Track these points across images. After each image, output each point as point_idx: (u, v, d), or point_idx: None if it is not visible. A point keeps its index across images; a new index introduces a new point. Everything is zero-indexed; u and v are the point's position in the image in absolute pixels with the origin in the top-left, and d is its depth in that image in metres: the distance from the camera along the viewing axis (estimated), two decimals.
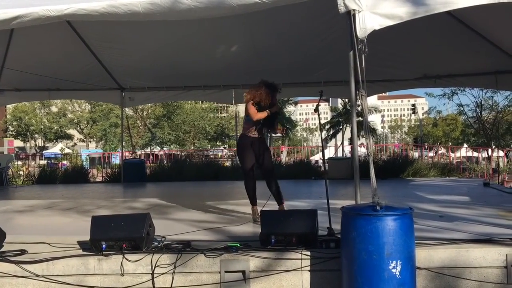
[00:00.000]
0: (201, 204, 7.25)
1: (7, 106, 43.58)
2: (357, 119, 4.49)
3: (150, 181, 12.33)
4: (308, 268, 3.85)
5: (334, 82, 10.74)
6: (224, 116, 55.99)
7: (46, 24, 5.07)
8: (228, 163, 17.93)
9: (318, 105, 4.48)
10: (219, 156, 34.50)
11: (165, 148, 41.94)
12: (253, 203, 5.69)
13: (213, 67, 10.72)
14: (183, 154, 26.79)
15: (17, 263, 3.95)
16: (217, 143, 52.56)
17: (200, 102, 45.99)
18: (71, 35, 9.46)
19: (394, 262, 3.34)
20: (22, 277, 3.93)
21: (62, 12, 4.62)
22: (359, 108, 4.46)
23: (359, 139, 8.08)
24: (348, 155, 19.05)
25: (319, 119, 4.59)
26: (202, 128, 47.11)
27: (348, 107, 47.28)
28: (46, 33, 8.73)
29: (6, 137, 48.64)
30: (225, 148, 48.00)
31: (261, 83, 5.77)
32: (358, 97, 4.04)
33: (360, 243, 3.40)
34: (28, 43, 9.68)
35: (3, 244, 4.34)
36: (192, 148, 42.45)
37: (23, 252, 4.15)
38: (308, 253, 3.87)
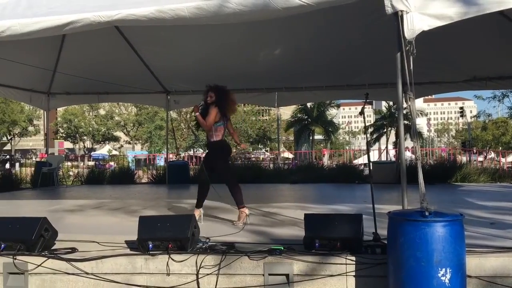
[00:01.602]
0: None
1: (58, 109, 45.36)
2: (404, 122, 4.39)
3: (193, 183, 12.50)
4: (353, 273, 3.79)
5: (379, 85, 10.56)
6: (266, 119, 56.11)
7: (96, 29, 5.24)
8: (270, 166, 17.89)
9: (363, 108, 4.40)
10: (261, 159, 34.58)
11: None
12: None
13: (255, 69, 10.77)
14: None
15: (68, 260, 4.10)
16: (259, 145, 52.72)
17: (242, 104, 46.29)
18: (119, 40, 9.75)
19: (444, 269, 3.24)
20: (73, 274, 4.06)
21: (112, 18, 4.77)
22: (405, 111, 4.36)
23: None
24: (393, 159, 18.66)
25: (365, 122, 4.51)
26: (244, 131, 47.42)
27: (392, 110, 46.34)
28: (95, 38, 9.03)
29: (57, 138, 50.60)
30: (266, 151, 48.09)
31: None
32: (406, 100, 3.95)
33: (408, 249, 3.32)
34: (79, 48, 10.05)
35: (55, 242, 4.51)
36: (234, 150, 42.75)
37: (73, 250, 4.30)
38: (353, 258, 3.81)
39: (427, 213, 3.33)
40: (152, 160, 25.67)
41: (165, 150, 18.13)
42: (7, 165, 22.35)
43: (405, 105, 4.05)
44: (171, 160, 17.07)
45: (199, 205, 5.91)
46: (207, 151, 6.04)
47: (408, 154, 15.32)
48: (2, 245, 4.27)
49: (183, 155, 32.78)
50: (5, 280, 4.17)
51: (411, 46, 3.99)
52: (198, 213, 5.78)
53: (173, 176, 12.63)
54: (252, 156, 36.08)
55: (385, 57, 8.07)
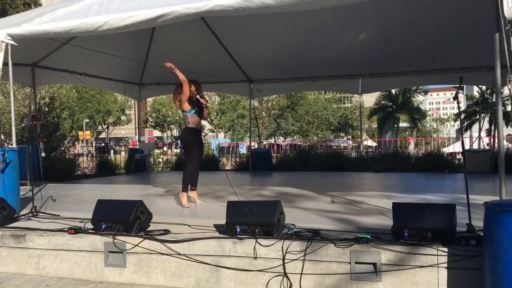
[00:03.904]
0: (327, 194, 7.25)
1: (147, 99, 47.75)
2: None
3: (275, 170, 12.65)
4: (445, 265, 3.64)
5: (472, 68, 9.98)
6: (348, 107, 55.03)
7: (183, 22, 5.43)
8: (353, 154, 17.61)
9: (457, 93, 4.18)
10: (342, 147, 34.07)
11: (288, 139, 42.62)
12: (187, 190, 6.63)
13: (339, 56, 10.59)
14: (305, 145, 26.96)
15: (162, 241, 4.34)
16: (341, 133, 51.92)
17: (323, 92, 45.72)
18: (205, 31, 10.03)
19: None
20: (167, 254, 4.30)
21: (200, 9, 4.92)
22: (503, 96, 4.08)
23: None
24: (486, 147, 17.54)
25: (459, 108, 4.29)
26: (325, 119, 46.90)
27: (486, 95, 43.37)
28: (182, 31, 9.38)
29: (147, 127, 53.40)
30: (348, 139, 47.25)
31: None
32: (505, 84, 3.70)
33: (507, 241, 3.12)
34: (167, 40, 10.49)
35: (149, 224, 4.80)
36: (315, 138, 42.49)
37: (167, 232, 4.55)
38: (446, 249, 3.66)
39: None
40: (235, 148, 26.24)
41: (247, 138, 18.44)
42: (116, 152, 24.15)
43: (504, 90, 3.79)
44: (253, 148, 17.37)
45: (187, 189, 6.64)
46: (196, 135, 6.72)
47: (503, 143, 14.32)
48: (103, 226, 4.63)
49: (265, 143, 33.19)
50: (106, 258, 4.52)
51: (511, 25, 3.72)
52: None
53: (256, 163, 12.86)
54: (334, 144, 35.63)
55: (479, 39, 7.62)
